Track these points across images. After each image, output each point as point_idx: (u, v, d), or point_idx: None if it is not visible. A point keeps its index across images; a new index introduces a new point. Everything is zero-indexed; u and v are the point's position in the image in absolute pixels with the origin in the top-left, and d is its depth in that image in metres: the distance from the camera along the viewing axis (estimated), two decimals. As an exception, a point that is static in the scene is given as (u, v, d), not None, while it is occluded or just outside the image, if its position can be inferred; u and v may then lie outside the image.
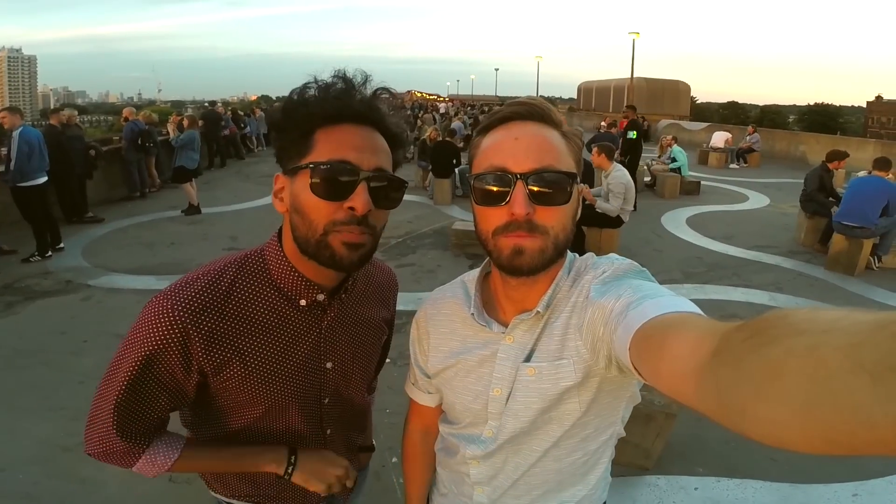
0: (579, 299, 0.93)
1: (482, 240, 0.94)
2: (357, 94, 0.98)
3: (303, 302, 1.05)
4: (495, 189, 0.89)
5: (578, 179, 0.93)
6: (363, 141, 0.97)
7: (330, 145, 0.95)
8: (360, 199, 0.93)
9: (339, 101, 0.96)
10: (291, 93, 0.98)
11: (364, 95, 0.99)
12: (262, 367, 1.03)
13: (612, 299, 0.82)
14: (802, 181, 8.21)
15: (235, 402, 1.06)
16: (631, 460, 3.06)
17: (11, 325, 4.97)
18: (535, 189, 0.87)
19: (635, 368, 0.71)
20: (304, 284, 1.04)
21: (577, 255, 1.03)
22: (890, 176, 6.89)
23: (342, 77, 0.98)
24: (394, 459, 3.03)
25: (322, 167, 0.93)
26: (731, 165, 16.72)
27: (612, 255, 0.98)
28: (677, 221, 9.31)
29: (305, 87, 0.97)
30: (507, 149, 0.90)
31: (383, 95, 1.02)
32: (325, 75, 0.98)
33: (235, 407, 1.07)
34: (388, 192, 0.99)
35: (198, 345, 0.96)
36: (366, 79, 1.00)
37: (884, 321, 0.36)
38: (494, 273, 1.03)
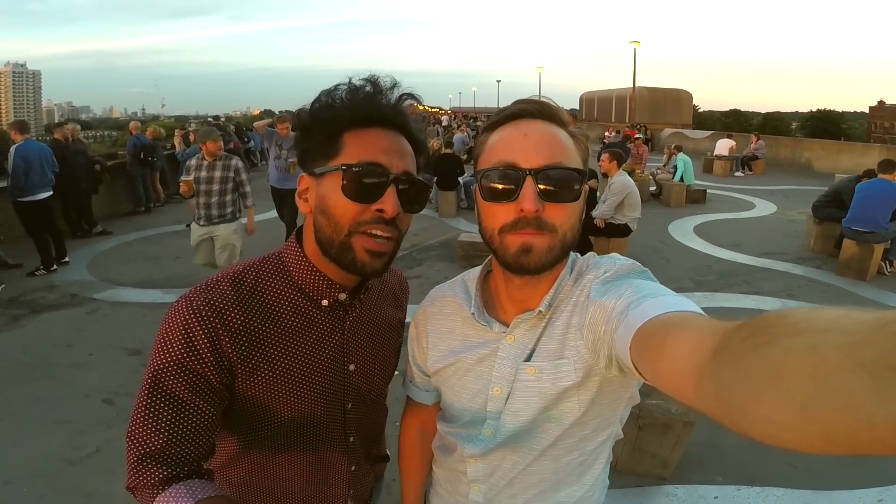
0: (580, 299, 0.93)
1: (487, 238, 0.94)
2: (384, 98, 0.98)
3: (325, 302, 1.04)
4: (503, 185, 0.88)
5: (586, 178, 0.92)
6: (391, 144, 0.97)
7: (359, 147, 0.94)
8: (389, 202, 0.93)
9: (369, 104, 0.96)
10: (320, 94, 0.98)
11: (390, 100, 0.99)
12: (289, 370, 1.01)
13: (613, 299, 0.82)
14: (814, 188, 8.16)
15: (259, 409, 1.02)
16: (648, 470, 3.00)
17: (17, 339, 4.95)
18: (545, 186, 0.86)
19: (636, 368, 0.71)
20: (326, 284, 1.03)
21: (578, 254, 1.03)
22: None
23: (371, 81, 0.98)
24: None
25: (354, 169, 0.92)
26: (737, 173, 16.73)
27: (614, 255, 0.98)
28: (684, 230, 9.30)
29: (335, 88, 0.98)
30: (516, 144, 0.89)
31: (409, 101, 1.02)
32: (356, 79, 0.99)
33: (258, 414, 1.03)
34: (414, 195, 0.99)
35: (227, 343, 0.93)
36: (394, 84, 1.00)
37: (883, 320, 0.36)
38: (496, 272, 1.03)
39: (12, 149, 6.42)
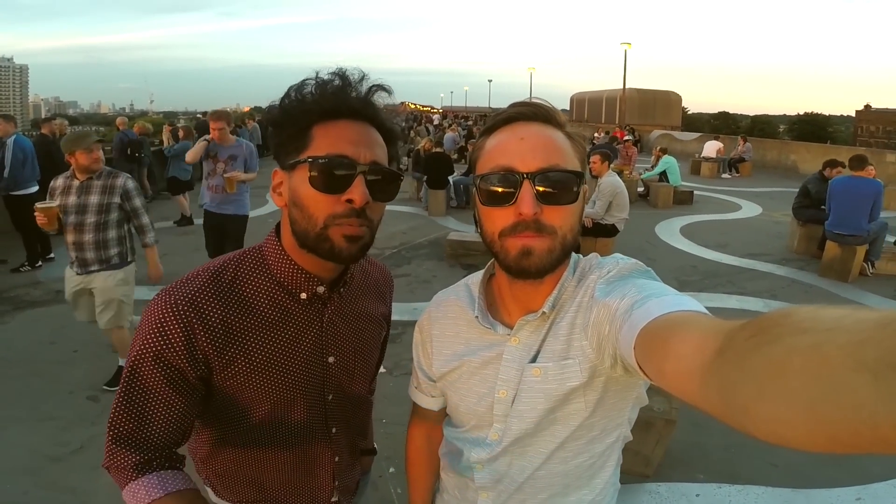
0: (584, 299, 0.92)
1: (488, 242, 0.94)
2: (353, 90, 1.00)
3: (303, 295, 1.06)
4: (501, 189, 0.88)
5: (584, 179, 0.92)
6: (359, 136, 0.98)
7: (327, 140, 0.96)
8: (357, 192, 0.94)
9: (336, 98, 0.97)
10: (289, 89, 0.99)
11: (360, 92, 1.00)
12: (267, 362, 1.03)
13: (617, 298, 0.82)
14: (797, 190, 8.21)
15: (239, 401, 1.04)
16: (631, 467, 3.01)
17: (0, 335, 4.89)
18: (542, 189, 0.87)
19: (640, 368, 0.71)
20: (304, 277, 1.05)
21: (581, 255, 1.03)
22: (871, 172, 6.82)
23: (339, 74, 1.00)
24: (391, 469, 3.00)
25: (320, 161, 0.94)
26: (724, 175, 16.84)
27: (617, 255, 0.98)
28: (671, 231, 9.35)
29: (303, 83, 0.99)
30: (512, 149, 0.90)
31: (379, 92, 1.03)
32: (324, 73, 1.00)
33: (239, 406, 1.05)
34: (384, 184, 1.01)
35: (203, 338, 0.96)
36: (362, 76, 1.01)
37: (886, 319, 0.36)
38: (499, 275, 1.02)
39: (10, 141, 6.38)
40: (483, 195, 0.91)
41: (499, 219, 0.90)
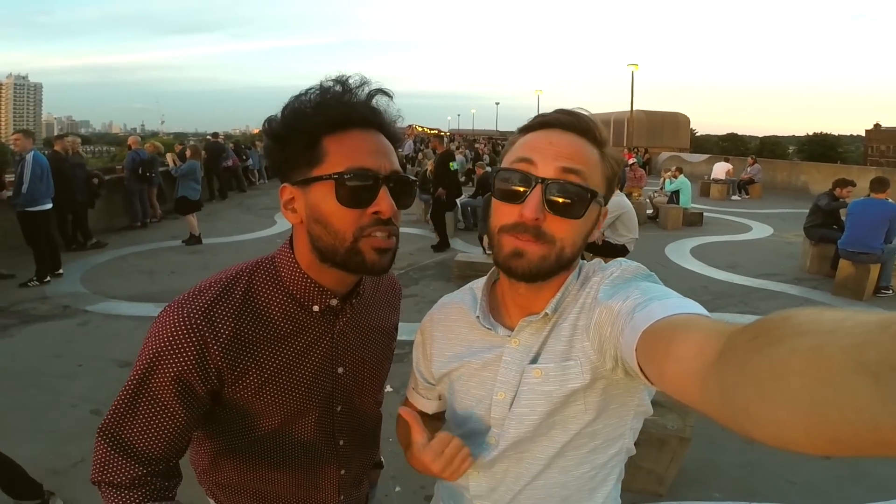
0: (587, 301, 0.92)
1: (489, 233, 0.95)
2: (354, 96, 0.98)
3: (316, 308, 1.04)
4: (514, 187, 0.89)
5: (602, 200, 0.92)
6: (375, 145, 0.97)
7: (343, 153, 0.94)
8: (385, 203, 0.94)
9: (345, 106, 0.96)
10: (290, 101, 0.97)
11: (362, 99, 0.99)
12: (278, 373, 1.01)
13: (619, 301, 0.82)
14: (807, 210, 8.18)
15: (249, 412, 1.03)
16: (644, 486, 2.95)
17: (5, 348, 4.89)
18: (552, 197, 0.86)
19: (641, 370, 0.71)
20: (318, 291, 1.03)
21: (585, 261, 1.02)
22: (888, 196, 6.82)
23: (340, 81, 0.98)
24: (397, 489, 2.95)
25: (345, 177, 0.92)
26: (733, 197, 16.83)
27: (620, 259, 0.97)
28: (681, 252, 9.30)
29: (305, 93, 0.97)
30: (538, 150, 0.90)
31: (381, 97, 1.02)
32: (325, 81, 0.99)
33: (248, 417, 1.03)
34: (403, 192, 1.00)
35: (216, 352, 0.94)
36: (363, 81, 1.00)
37: (887, 321, 0.36)
38: (502, 279, 1.01)
39: (28, 156, 6.45)
40: (497, 188, 0.91)
41: (503, 214, 0.90)
